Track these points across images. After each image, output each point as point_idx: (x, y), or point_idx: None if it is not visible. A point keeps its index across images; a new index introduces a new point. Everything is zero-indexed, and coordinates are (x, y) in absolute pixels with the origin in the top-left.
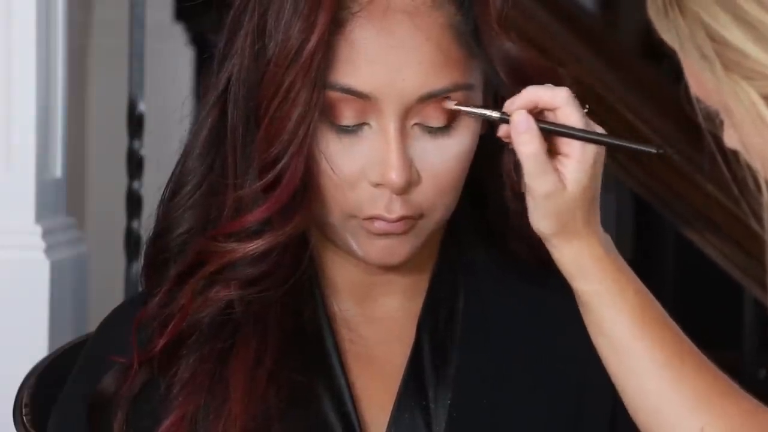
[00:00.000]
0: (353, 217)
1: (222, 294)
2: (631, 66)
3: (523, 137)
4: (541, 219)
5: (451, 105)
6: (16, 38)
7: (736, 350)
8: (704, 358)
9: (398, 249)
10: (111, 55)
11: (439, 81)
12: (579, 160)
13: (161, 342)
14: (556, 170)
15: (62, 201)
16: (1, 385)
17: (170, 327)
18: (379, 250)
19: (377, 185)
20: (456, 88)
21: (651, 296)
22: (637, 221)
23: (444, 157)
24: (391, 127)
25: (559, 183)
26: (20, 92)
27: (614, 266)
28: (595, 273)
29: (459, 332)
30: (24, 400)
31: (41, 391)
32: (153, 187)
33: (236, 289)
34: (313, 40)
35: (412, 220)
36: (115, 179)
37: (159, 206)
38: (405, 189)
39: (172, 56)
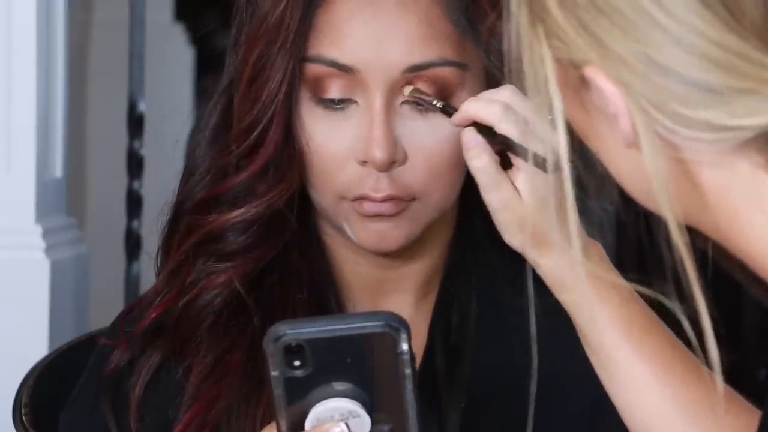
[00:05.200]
0: (343, 198)
1: (222, 279)
2: None
3: (470, 153)
4: (506, 233)
5: (407, 90)
6: (16, 38)
7: (736, 350)
8: (698, 368)
9: (391, 233)
10: (111, 55)
11: (424, 53)
12: (528, 170)
13: (152, 314)
14: (511, 183)
15: (62, 201)
16: (0, 384)
17: (165, 299)
18: (371, 234)
19: (363, 163)
20: (444, 62)
21: (642, 306)
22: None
23: (436, 137)
24: (377, 102)
25: (515, 195)
26: (20, 92)
27: (596, 276)
28: (574, 284)
29: (472, 335)
30: (23, 400)
31: (41, 390)
32: (153, 187)
33: (220, 261)
34: (283, 5)
35: (402, 201)
36: (115, 179)
37: (177, 192)
38: (388, 166)
39: (172, 56)
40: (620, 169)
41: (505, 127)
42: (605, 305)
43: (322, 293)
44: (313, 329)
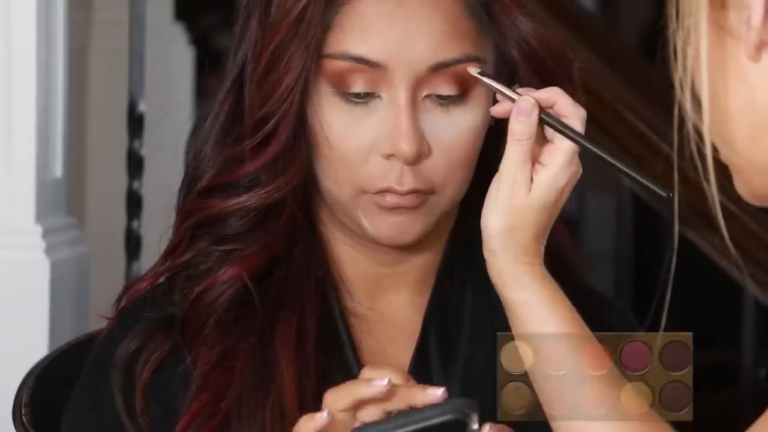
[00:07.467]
0: (364, 192)
1: (231, 273)
2: (631, 66)
3: (521, 118)
4: (492, 213)
5: (474, 71)
6: (16, 38)
7: (736, 350)
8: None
9: (410, 226)
10: (111, 55)
11: (449, 51)
12: (553, 173)
13: (144, 284)
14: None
15: (62, 201)
16: (0, 384)
17: (156, 271)
18: (390, 226)
19: (388, 156)
20: (466, 59)
21: (580, 317)
22: (637, 221)
23: (455, 130)
24: (402, 97)
25: (529, 182)
26: (20, 92)
27: (550, 282)
28: (529, 282)
29: (467, 328)
30: (23, 400)
31: (41, 390)
32: (153, 187)
33: (219, 244)
34: (307, 0)
35: (423, 194)
36: (115, 179)
37: (179, 193)
38: (416, 159)
39: (172, 56)
40: (730, 107)
41: (572, 123)
42: (555, 306)
43: (324, 288)
44: (387, 428)
